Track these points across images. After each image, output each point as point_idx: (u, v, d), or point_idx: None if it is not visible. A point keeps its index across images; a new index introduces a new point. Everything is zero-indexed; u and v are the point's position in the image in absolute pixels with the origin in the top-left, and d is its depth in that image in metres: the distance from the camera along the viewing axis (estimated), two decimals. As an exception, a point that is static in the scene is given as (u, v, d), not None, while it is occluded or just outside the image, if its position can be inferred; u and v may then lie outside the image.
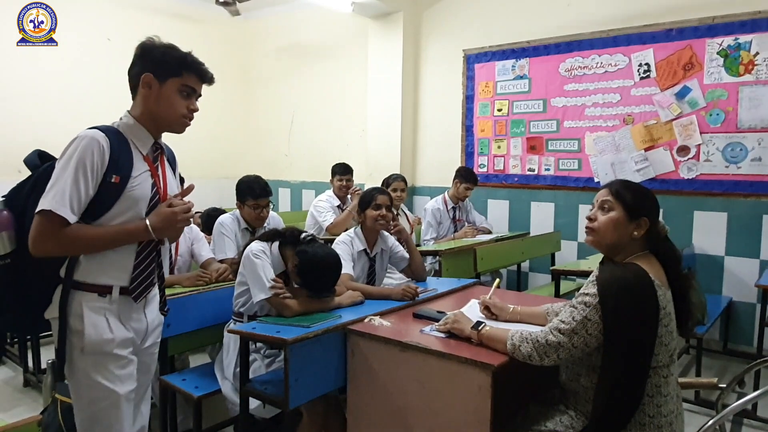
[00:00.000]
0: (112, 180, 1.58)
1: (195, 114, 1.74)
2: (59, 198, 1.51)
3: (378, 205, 2.79)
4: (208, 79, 1.74)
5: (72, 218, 1.53)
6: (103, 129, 1.62)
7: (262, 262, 2.30)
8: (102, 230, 1.60)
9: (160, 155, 1.76)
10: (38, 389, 3.43)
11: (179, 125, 1.73)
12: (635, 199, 1.70)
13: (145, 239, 1.66)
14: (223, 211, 3.68)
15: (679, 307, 1.67)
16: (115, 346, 1.65)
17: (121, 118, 1.70)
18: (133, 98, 1.72)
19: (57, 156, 1.66)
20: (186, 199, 1.75)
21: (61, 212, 1.50)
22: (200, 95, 1.76)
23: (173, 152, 1.88)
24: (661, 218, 1.76)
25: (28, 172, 1.71)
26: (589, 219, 1.75)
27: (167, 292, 2.52)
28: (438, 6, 5.56)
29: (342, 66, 6.34)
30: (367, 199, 2.83)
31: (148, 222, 1.63)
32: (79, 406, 1.67)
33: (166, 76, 1.66)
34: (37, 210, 1.51)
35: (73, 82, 5.51)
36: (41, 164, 1.69)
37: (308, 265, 2.24)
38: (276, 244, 2.44)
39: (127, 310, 1.69)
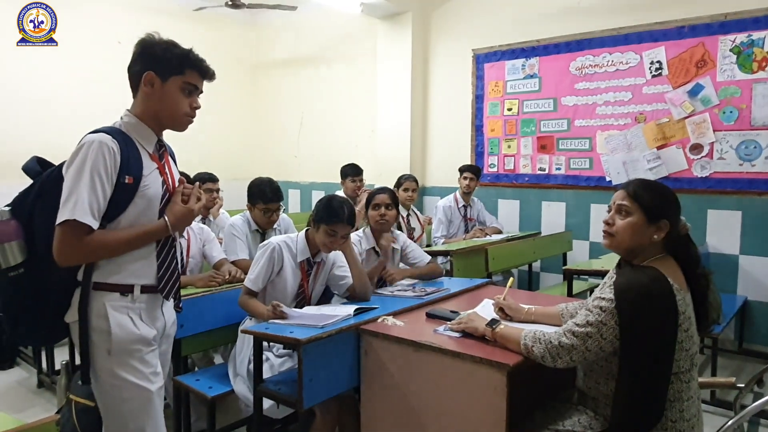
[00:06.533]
0: (126, 181, 1.58)
1: (202, 114, 1.73)
2: (80, 206, 1.50)
3: (377, 205, 2.85)
4: (210, 75, 1.74)
5: (95, 224, 1.54)
6: (109, 131, 1.60)
7: (261, 255, 2.44)
8: (124, 233, 1.61)
9: (164, 152, 1.76)
10: (52, 390, 3.45)
11: (182, 123, 1.73)
12: (654, 201, 1.63)
13: (164, 236, 1.69)
14: None
15: (697, 309, 1.64)
16: (143, 344, 1.65)
17: (122, 118, 1.68)
18: (134, 96, 1.70)
19: (55, 163, 1.66)
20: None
21: (84, 220, 1.50)
22: (201, 92, 1.75)
23: (172, 149, 1.88)
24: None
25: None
26: (607, 223, 1.69)
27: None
28: (447, 6, 5.55)
29: (351, 66, 6.34)
30: (369, 199, 2.93)
31: (167, 220, 1.66)
32: (108, 408, 1.66)
33: (169, 74, 1.65)
34: (60, 221, 1.50)
35: (72, 82, 5.53)
36: (42, 170, 1.67)
37: (319, 202, 2.47)
38: (302, 232, 2.55)
39: (148, 308, 1.69)
